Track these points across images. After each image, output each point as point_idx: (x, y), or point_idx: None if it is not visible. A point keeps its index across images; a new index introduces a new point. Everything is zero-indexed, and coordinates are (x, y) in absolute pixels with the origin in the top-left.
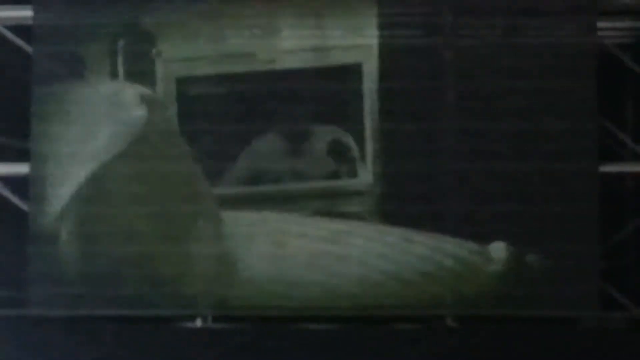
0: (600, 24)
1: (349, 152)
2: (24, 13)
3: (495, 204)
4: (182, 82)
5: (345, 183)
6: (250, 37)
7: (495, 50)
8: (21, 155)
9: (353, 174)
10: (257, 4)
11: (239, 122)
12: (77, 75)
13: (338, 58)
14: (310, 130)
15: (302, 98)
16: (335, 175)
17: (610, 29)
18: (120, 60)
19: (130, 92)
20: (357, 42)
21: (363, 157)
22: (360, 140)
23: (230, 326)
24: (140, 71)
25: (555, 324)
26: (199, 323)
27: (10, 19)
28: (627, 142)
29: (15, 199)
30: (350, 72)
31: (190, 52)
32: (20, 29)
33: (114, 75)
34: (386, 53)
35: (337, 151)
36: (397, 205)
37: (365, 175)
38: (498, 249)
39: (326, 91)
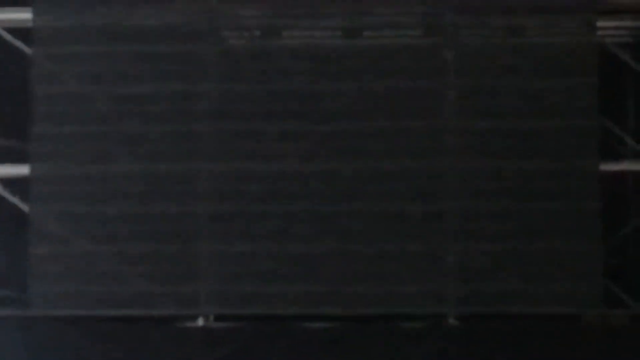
0: (600, 24)
1: None
2: (23, 15)
3: (497, 202)
4: None
5: None
6: None
7: (496, 50)
8: (21, 157)
9: None
10: None
11: None
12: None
13: None
14: None
15: None
16: None
17: (610, 28)
18: None
19: None
20: None
21: None
22: None
23: (232, 325)
24: None
25: (557, 321)
26: (200, 322)
27: (9, 21)
28: (627, 141)
29: (15, 200)
30: None
31: None
32: (19, 31)
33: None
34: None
35: None
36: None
37: None
38: None
39: None
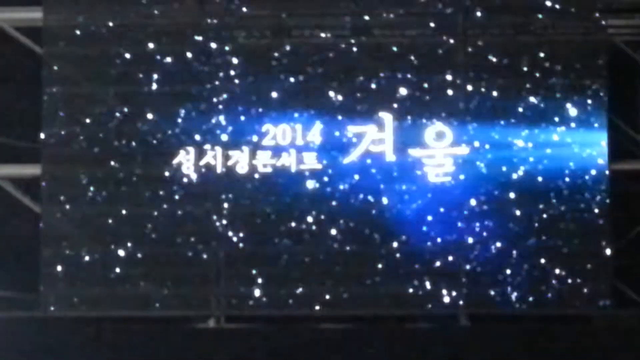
0: (610, 22)
1: None
2: (34, 15)
3: (505, 203)
4: None
5: None
6: None
7: (506, 48)
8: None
9: None
10: None
11: None
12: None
13: None
14: None
15: None
16: None
17: (620, 27)
18: None
19: None
20: None
21: None
22: None
23: (242, 326)
24: None
25: (569, 322)
26: (211, 323)
27: (20, 20)
28: (638, 140)
29: (27, 201)
30: None
31: None
32: (30, 30)
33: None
34: None
35: None
36: None
37: None
38: None
39: None
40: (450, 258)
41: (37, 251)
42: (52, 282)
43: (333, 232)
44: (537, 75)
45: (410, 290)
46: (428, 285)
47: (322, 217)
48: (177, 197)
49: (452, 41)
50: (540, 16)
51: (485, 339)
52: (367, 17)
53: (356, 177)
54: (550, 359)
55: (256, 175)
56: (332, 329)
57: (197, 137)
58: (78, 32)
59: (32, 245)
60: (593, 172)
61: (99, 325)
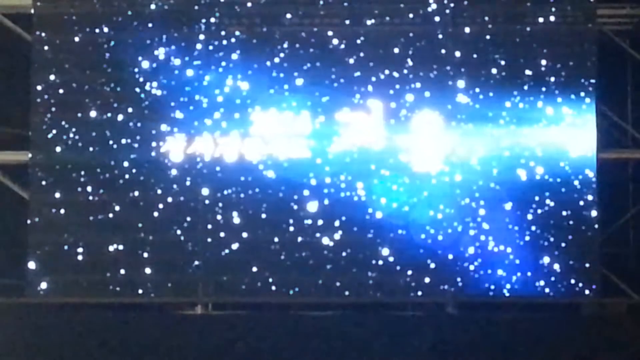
0: (600, 11)
1: None
2: (24, 1)
3: (495, 192)
4: None
5: None
6: None
7: (495, 37)
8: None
9: None
10: None
11: None
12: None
13: None
14: None
15: None
16: None
17: (610, 16)
18: None
19: None
20: None
21: None
22: None
23: (230, 313)
24: None
25: (556, 310)
26: (199, 310)
27: (9, 7)
28: (627, 129)
29: (15, 187)
30: None
31: None
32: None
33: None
34: None
35: None
36: None
37: None
38: None
39: None
40: (442, 248)
41: (24, 238)
42: (39, 269)
43: (324, 222)
44: (527, 65)
45: (401, 280)
46: (418, 275)
47: (313, 206)
48: (165, 184)
49: (443, 34)
50: (530, 6)
51: (473, 327)
52: (360, 9)
53: (346, 166)
54: (538, 347)
55: (245, 164)
56: (321, 316)
57: (188, 126)
58: (68, 20)
59: (20, 231)
60: (582, 162)
61: (86, 311)
